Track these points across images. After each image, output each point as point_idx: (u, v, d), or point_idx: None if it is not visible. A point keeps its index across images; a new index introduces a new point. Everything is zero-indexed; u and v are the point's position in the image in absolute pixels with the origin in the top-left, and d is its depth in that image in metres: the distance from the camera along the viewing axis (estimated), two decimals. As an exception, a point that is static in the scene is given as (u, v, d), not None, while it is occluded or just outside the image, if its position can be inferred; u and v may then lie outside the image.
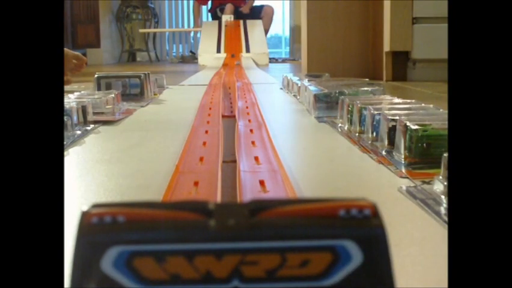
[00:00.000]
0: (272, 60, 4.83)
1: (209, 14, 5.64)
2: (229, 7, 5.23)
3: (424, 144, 0.70)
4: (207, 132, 0.97)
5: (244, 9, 5.30)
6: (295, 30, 5.89)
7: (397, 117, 0.76)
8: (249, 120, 1.10)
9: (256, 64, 3.82)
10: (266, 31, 5.15)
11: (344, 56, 2.55)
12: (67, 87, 1.75)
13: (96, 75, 1.53)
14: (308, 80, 1.53)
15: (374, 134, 0.85)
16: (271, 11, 5.42)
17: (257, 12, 5.36)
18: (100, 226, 0.22)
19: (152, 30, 5.66)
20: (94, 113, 1.13)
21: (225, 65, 3.57)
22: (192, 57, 5.27)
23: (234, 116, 1.17)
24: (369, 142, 0.85)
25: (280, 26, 6.84)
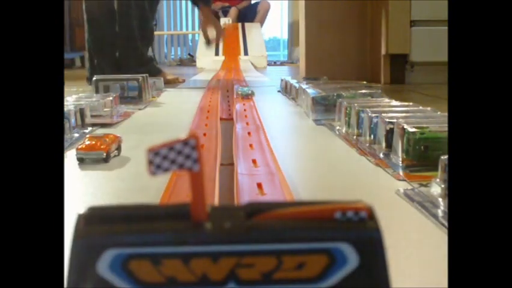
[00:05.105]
0: (270, 63, 4.83)
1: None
2: (233, 10, 5.24)
3: (422, 147, 0.70)
4: (205, 135, 0.97)
5: (241, 5, 5.34)
6: (293, 33, 5.89)
7: (395, 120, 0.76)
8: (247, 123, 1.10)
9: (255, 67, 3.82)
10: (260, 24, 5.21)
11: (342, 58, 2.55)
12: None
13: (94, 78, 1.53)
14: (306, 83, 1.53)
15: (372, 136, 0.85)
16: (267, 5, 5.47)
17: (254, 6, 5.42)
18: (96, 229, 0.22)
19: (150, 33, 5.65)
20: (92, 116, 1.13)
21: (223, 68, 3.57)
22: (190, 60, 5.27)
23: (232, 119, 1.17)
24: (367, 145, 0.85)
25: (279, 28, 6.84)
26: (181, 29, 6.37)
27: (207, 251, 0.21)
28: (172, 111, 1.46)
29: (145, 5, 2.15)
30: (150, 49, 2.24)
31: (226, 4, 5.36)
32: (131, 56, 2.16)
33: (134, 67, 2.11)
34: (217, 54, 4.36)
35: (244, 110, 1.33)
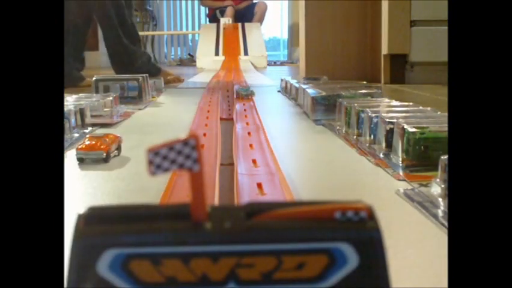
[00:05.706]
0: (270, 63, 4.83)
1: (207, 19, 5.67)
2: (230, 10, 5.25)
3: (422, 147, 0.70)
4: (205, 135, 0.97)
5: (241, 4, 5.36)
6: (293, 34, 5.90)
7: (395, 120, 0.76)
8: (247, 123, 1.10)
9: (255, 67, 3.82)
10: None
11: (342, 58, 2.55)
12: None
13: (94, 78, 1.53)
14: (306, 83, 1.53)
15: (372, 136, 0.85)
16: (264, 6, 5.50)
17: (251, 8, 5.44)
18: (96, 229, 0.22)
19: (150, 32, 5.65)
20: (92, 116, 1.13)
21: (223, 68, 3.56)
22: (190, 60, 5.27)
23: (232, 119, 1.17)
24: (367, 145, 0.85)
25: (279, 29, 6.84)
26: (181, 29, 6.38)
27: (207, 251, 0.21)
28: (172, 111, 1.46)
29: (121, 3, 2.19)
30: (150, 49, 2.29)
31: (226, 3, 5.37)
32: (122, 53, 2.19)
33: (128, 64, 2.15)
34: (217, 54, 4.36)
35: (244, 110, 1.33)
